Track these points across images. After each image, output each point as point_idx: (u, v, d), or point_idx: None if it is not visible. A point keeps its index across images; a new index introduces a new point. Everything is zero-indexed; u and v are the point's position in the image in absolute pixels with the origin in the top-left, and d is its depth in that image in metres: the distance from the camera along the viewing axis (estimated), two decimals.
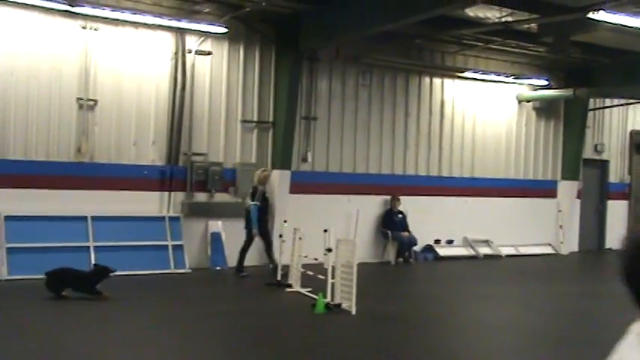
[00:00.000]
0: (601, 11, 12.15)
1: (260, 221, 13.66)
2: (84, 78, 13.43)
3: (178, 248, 14.10)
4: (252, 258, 15.11)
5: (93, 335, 8.79)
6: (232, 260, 14.58)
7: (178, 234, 14.19)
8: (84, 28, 13.41)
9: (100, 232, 13.43)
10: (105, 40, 13.64)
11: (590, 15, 12.34)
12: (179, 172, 14.41)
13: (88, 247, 13.23)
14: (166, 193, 14.29)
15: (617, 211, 21.43)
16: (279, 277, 12.64)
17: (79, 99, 13.42)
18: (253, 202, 13.68)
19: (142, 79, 14.04)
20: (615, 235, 21.22)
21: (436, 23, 14.93)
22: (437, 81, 17.95)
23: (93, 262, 12.77)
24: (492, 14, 14.44)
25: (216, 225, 14.75)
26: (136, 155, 14.04)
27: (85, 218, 13.39)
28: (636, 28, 12.90)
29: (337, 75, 16.41)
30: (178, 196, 14.44)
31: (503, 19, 14.38)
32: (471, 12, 14.35)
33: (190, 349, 8.39)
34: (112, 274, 10.95)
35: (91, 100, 13.52)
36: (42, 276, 10.96)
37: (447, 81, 18.08)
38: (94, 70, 13.52)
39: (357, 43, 16.13)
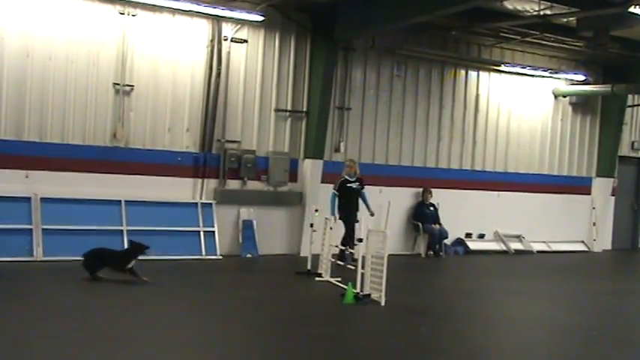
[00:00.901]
0: None
1: (340, 209, 13.90)
2: (121, 63, 13.57)
3: (210, 235, 14.21)
4: (284, 246, 15.25)
5: (125, 317, 8.92)
6: (263, 248, 14.70)
7: (210, 221, 14.31)
8: (122, 13, 13.54)
9: (134, 217, 13.59)
10: (142, 26, 13.75)
11: (631, 9, 12.16)
12: (212, 159, 14.50)
13: (122, 230, 13.39)
14: (199, 180, 14.39)
15: None
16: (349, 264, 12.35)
17: (115, 84, 13.56)
18: (332, 190, 14.08)
19: (177, 65, 14.14)
20: None
21: (473, 15, 14.84)
22: (472, 74, 17.81)
23: (126, 246, 12.98)
24: (531, 7, 14.30)
25: (248, 213, 14.83)
26: (170, 141, 14.16)
27: (119, 202, 13.56)
28: None
29: (372, 65, 16.37)
30: (211, 183, 14.54)
31: (542, 12, 14.22)
32: (509, 4, 14.22)
33: (220, 334, 8.47)
34: (146, 250, 11.13)
35: (128, 85, 13.66)
36: (76, 257, 11.14)
37: (483, 74, 17.94)
38: (130, 55, 13.65)
39: (392, 33, 16.08)
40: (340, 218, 13.78)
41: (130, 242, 11.56)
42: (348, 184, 14.32)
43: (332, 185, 14.46)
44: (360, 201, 14.54)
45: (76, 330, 8.10)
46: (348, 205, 14.18)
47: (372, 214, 14.31)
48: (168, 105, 14.11)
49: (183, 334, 8.27)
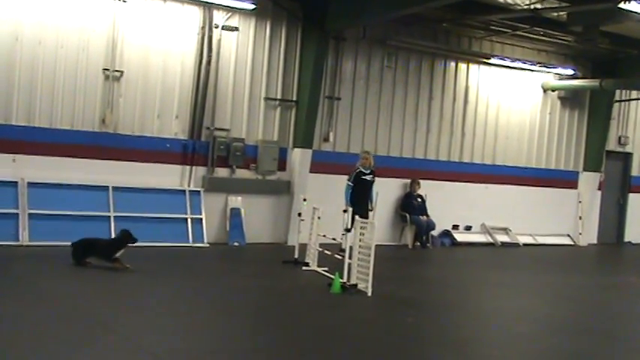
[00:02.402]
0: (632, 1, 12.02)
1: (352, 200, 13.62)
2: (111, 49, 13.49)
3: (198, 222, 14.21)
4: (272, 235, 15.27)
5: (111, 303, 8.91)
6: (250, 236, 14.71)
7: (198, 208, 14.30)
8: None
9: (121, 203, 13.55)
10: (133, 12, 13.68)
11: (622, 5, 12.22)
12: (201, 146, 14.48)
13: (109, 216, 13.36)
14: (188, 167, 14.37)
15: (638, 205, 21.28)
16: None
17: (105, 70, 13.49)
18: (348, 182, 13.92)
19: (168, 52, 14.09)
20: (635, 229, 21.16)
21: (464, 7, 14.86)
22: (462, 66, 17.85)
23: (113, 232, 12.96)
24: (522, 0, 14.33)
25: (236, 201, 14.83)
26: (159, 128, 14.12)
27: (106, 188, 13.52)
28: None
29: (363, 56, 16.37)
30: (199, 171, 14.52)
31: (533, 6, 14.25)
32: None
33: (206, 322, 8.49)
34: (133, 243, 11.12)
35: (117, 71, 13.59)
36: (63, 243, 11.12)
37: (473, 66, 17.97)
38: (120, 41, 13.58)
39: (383, 24, 16.10)
40: (353, 210, 13.69)
41: (121, 231, 11.50)
42: (363, 176, 14.10)
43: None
44: None
45: (61, 315, 8.10)
46: (362, 197, 13.97)
47: (371, 209, 14.20)
48: (157, 91, 14.06)
49: (170, 321, 8.29)
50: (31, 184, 12.86)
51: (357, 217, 12.96)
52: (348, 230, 10.97)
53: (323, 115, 15.88)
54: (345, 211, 12.54)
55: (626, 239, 21.17)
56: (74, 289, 9.54)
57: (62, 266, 10.84)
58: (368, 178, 14.12)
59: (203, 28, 14.35)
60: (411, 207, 16.78)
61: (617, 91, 19.83)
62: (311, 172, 15.44)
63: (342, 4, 14.35)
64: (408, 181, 16.97)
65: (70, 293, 9.29)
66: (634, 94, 20.22)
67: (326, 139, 15.98)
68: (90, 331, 7.51)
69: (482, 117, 18.28)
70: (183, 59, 14.26)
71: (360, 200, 13.79)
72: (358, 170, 14.08)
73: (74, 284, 9.90)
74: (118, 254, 10.94)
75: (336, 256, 11.34)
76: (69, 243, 11.12)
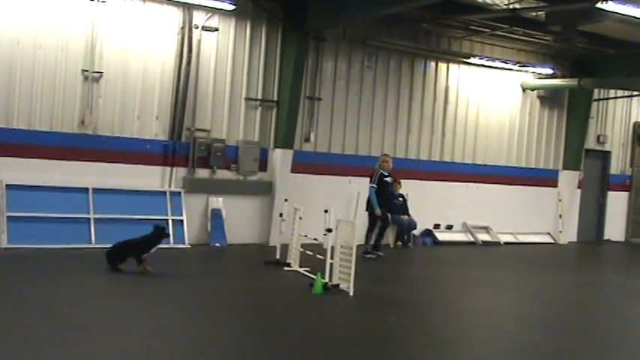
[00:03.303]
0: (609, 1, 12.12)
1: (379, 202, 14.14)
2: (90, 50, 13.41)
3: (178, 223, 14.15)
4: (253, 236, 15.23)
5: (92, 306, 8.83)
6: (232, 237, 14.67)
7: (179, 209, 14.25)
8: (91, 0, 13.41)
9: (101, 205, 13.47)
10: (112, 13, 13.61)
11: (599, 5, 12.31)
12: (182, 147, 14.43)
13: (89, 218, 13.28)
14: (168, 168, 14.32)
15: (617, 203, 21.48)
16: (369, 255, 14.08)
17: (84, 71, 13.40)
18: (371, 185, 14.23)
19: (147, 52, 14.02)
20: (614, 227, 21.35)
21: (444, 7, 14.92)
22: (442, 66, 17.91)
23: (93, 234, 12.91)
24: (500, 0, 14.40)
25: (217, 202, 14.79)
26: (139, 129, 14.05)
27: (86, 190, 13.43)
28: None
29: (343, 56, 16.38)
30: (180, 172, 14.47)
31: (511, 6, 14.34)
32: None
33: (186, 323, 8.44)
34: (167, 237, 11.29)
35: (97, 72, 13.51)
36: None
37: (453, 66, 18.05)
38: (100, 42, 13.50)
39: (364, 24, 16.13)
40: (373, 212, 14.21)
41: (154, 227, 11.28)
42: (385, 178, 14.40)
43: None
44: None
45: (42, 319, 8.03)
46: (384, 199, 14.33)
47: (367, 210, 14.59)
48: (137, 92, 13.99)
49: (151, 323, 8.24)
50: (9, 187, 12.75)
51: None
52: (329, 230, 10.95)
53: (304, 116, 15.87)
54: (379, 217, 13.82)
55: (606, 237, 21.36)
56: (54, 293, 9.46)
57: (42, 269, 10.75)
58: (388, 180, 14.52)
59: (183, 28, 14.30)
60: (392, 207, 16.78)
61: (596, 90, 19.99)
62: (292, 172, 15.43)
63: (322, 5, 14.35)
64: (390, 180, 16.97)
65: (50, 296, 9.20)
66: (612, 92, 20.40)
67: (307, 140, 15.97)
68: (70, 335, 7.45)
69: (463, 116, 18.36)
70: (163, 60, 14.20)
71: (381, 202, 14.21)
72: (380, 172, 14.36)
73: (54, 287, 9.81)
74: (151, 252, 10.93)
75: (318, 256, 11.33)
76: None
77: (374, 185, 14.24)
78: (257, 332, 8.29)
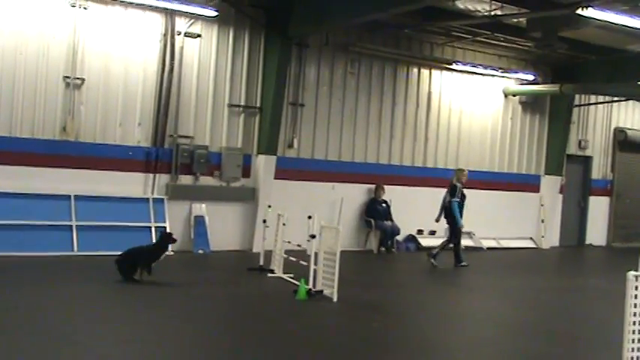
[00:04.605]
0: (590, 8, 12.22)
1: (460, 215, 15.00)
2: (71, 56, 13.36)
3: (161, 230, 14.07)
4: (237, 242, 15.19)
5: (72, 314, 8.78)
6: (215, 244, 14.63)
7: (162, 216, 14.19)
8: (73, 6, 13.34)
9: (83, 212, 13.40)
10: (94, 19, 13.56)
11: (579, 11, 12.41)
12: (164, 154, 14.38)
13: (71, 226, 13.19)
14: (151, 175, 14.26)
15: (598, 208, 21.64)
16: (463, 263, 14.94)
17: (65, 77, 13.35)
18: (454, 199, 14.93)
19: (130, 59, 13.98)
20: (596, 231, 21.49)
21: (426, 14, 14.98)
22: (425, 72, 17.99)
23: (75, 242, 12.82)
24: (482, 7, 14.49)
25: (200, 208, 14.74)
26: (122, 136, 14.00)
27: (68, 197, 13.36)
28: (623, 25, 12.98)
29: (326, 62, 16.41)
30: (163, 178, 14.42)
31: (493, 13, 14.42)
32: (460, 4, 14.41)
33: (169, 331, 8.40)
34: (174, 242, 11.36)
35: (78, 78, 13.45)
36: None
37: (435, 72, 18.12)
38: (81, 48, 13.45)
39: (346, 31, 16.18)
40: (455, 223, 15.01)
41: (160, 233, 11.36)
42: (462, 191, 15.20)
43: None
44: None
45: (21, 328, 7.95)
46: (461, 211, 15.12)
47: (437, 221, 15.49)
48: (119, 99, 13.94)
49: (132, 331, 8.20)
50: None
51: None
52: (312, 236, 10.94)
53: (287, 122, 15.87)
54: (460, 228, 14.94)
55: (587, 241, 21.49)
56: (34, 301, 9.36)
57: (24, 277, 10.66)
58: (464, 192, 15.28)
59: (165, 35, 14.27)
60: (375, 212, 16.83)
61: (577, 96, 20.15)
62: (275, 178, 15.42)
63: (305, 11, 14.37)
64: (373, 186, 17.02)
65: (30, 305, 9.12)
66: (593, 98, 20.56)
67: (290, 146, 15.97)
68: (50, 344, 7.38)
69: (445, 122, 18.43)
70: (146, 66, 14.16)
71: (461, 214, 15.11)
72: (458, 185, 15.09)
73: (34, 296, 9.71)
74: (159, 260, 10.93)
75: (302, 262, 11.32)
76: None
77: (457, 199, 14.94)
78: (240, 339, 8.26)
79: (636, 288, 6.86)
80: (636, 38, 15.52)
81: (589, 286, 14.78)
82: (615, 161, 21.93)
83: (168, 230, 11.10)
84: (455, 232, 15.09)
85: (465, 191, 15.29)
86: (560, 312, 11.46)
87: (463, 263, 15.13)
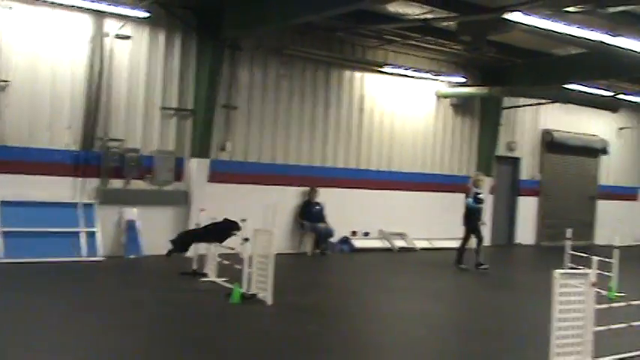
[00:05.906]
0: (516, 12, 12.51)
1: (475, 218, 15.72)
2: None
3: (91, 235, 13.82)
4: (166, 247, 14.93)
5: (1, 323, 8.54)
6: (147, 248, 14.41)
7: (92, 221, 13.91)
8: None
9: (10, 217, 13.01)
10: (19, 20, 13.20)
11: (506, 16, 12.69)
12: (93, 157, 14.10)
13: None
14: (80, 179, 13.96)
15: (527, 208, 22.15)
16: (481, 263, 15.47)
17: None
18: (478, 204, 15.80)
19: (57, 60, 13.66)
20: (525, 231, 22.00)
21: (358, 17, 15.08)
22: (357, 75, 18.11)
23: (2, 249, 12.45)
24: (412, 11, 14.68)
25: (132, 213, 14.50)
26: (50, 139, 13.66)
27: None
28: (548, 30, 13.32)
29: (258, 65, 16.36)
30: (93, 183, 14.13)
31: (423, 16, 14.63)
32: (392, 7, 14.55)
33: (97, 337, 8.23)
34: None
35: (3, 81, 13.07)
36: None
37: (368, 75, 18.26)
38: (6, 49, 13.08)
39: (279, 33, 16.17)
40: (474, 227, 15.69)
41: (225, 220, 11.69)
42: (478, 196, 15.81)
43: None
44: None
45: None
46: (480, 214, 15.98)
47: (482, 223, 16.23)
48: (47, 101, 13.61)
49: (58, 339, 8.01)
50: None
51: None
52: (246, 239, 10.89)
53: (220, 125, 15.76)
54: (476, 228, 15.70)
55: (517, 240, 21.98)
56: None
57: None
58: (482, 197, 16.07)
59: (94, 36, 14.00)
60: (309, 215, 16.86)
61: (506, 99, 20.57)
62: (209, 181, 15.30)
63: (237, 14, 14.30)
64: (307, 188, 17.05)
65: None
66: (521, 101, 21.03)
67: (223, 149, 15.86)
68: None
69: (378, 124, 18.59)
70: (74, 68, 13.87)
71: (478, 217, 15.87)
72: (476, 190, 15.75)
73: None
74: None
75: (236, 266, 11.25)
76: None
77: (479, 205, 15.79)
78: (169, 345, 8.16)
79: (562, 285, 7.08)
80: (561, 42, 15.95)
81: (517, 284, 15.13)
82: (543, 162, 22.51)
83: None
84: (474, 228, 15.81)
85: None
86: (490, 310, 11.70)
87: (462, 265, 15.65)
